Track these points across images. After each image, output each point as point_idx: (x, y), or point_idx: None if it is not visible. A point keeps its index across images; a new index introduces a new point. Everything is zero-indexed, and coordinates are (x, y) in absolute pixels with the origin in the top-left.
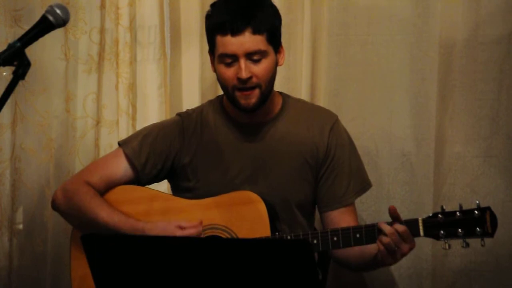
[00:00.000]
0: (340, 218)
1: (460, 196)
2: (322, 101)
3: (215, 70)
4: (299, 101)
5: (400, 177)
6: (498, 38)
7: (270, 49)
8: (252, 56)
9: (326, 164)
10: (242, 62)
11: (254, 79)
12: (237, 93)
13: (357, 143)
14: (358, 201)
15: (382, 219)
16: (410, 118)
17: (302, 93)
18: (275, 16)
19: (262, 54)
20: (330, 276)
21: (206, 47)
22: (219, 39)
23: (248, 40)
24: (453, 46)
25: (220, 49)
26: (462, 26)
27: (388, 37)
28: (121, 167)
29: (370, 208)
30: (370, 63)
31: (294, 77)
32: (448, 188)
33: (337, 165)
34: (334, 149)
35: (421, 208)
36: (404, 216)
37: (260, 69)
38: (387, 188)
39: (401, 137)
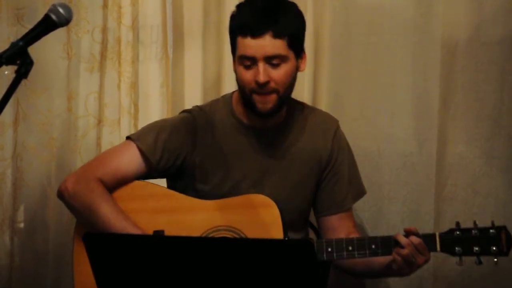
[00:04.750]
0: (339, 223)
1: (462, 196)
2: (324, 101)
3: (235, 70)
4: (302, 104)
5: (402, 178)
6: (500, 38)
7: (290, 54)
8: (271, 60)
9: (328, 169)
10: (261, 65)
11: (272, 84)
12: (255, 96)
13: (359, 143)
14: (359, 201)
15: (383, 219)
16: (412, 118)
17: (304, 93)
18: (299, 21)
19: (282, 58)
20: (331, 276)
21: (209, 46)
22: (240, 40)
23: (268, 44)
24: (456, 46)
25: (240, 51)
26: (464, 26)
27: (390, 37)
28: (135, 163)
29: (371, 209)
30: (372, 63)
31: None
32: (449, 189)
33: (339, 170)
34: (337, 154)
35: (422, 209)
36: (405, 217)
37: (278, 74)
38: (389, 188)
39: (403, 137)
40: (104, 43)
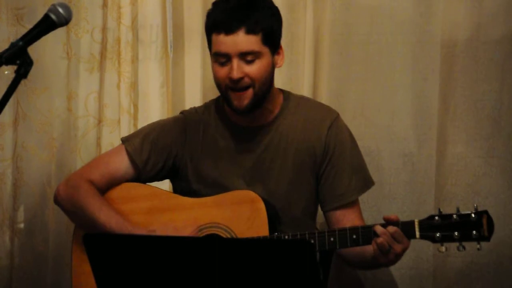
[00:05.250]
0: (344, 216)
1: (462, 196)
2: (324, 101)
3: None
4: (301, 98)
5: (402, 177)
6: (500, 38)
7: (265, 50)
8: (245, 56)
9: (325, 163)
10: (235, 62)
11: (247, 79)
12: (230, 93)
13: (358, 142)
14: (359, 201)
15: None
16: (412, 118)
17: (304, 92)
18: (273, 16)
19: (256, 54)
20: (331, 275)
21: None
22: (214, 37)
23: (241, 40)
24: (455, 46)
25: (214, 48)
26: (464, 26)
27: (390, 37)
28: (123, 165)
29: (371, 208)
30: (372, 62)
31: (296, 77)
32: (449, 189)
33: (337, 163)
34: (333, 147)
35: (423, 208)
36: (405, 216)
37: (253, 69)
38: (389, 188)
39: (402, 137)
40: (103, 43)
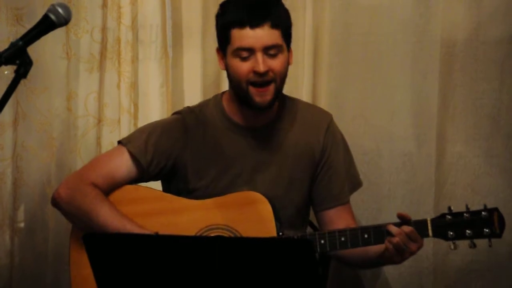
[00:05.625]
0: (338, 216)
1: (461, 195)
2: (323, 100)
3: (224, 68)
4: (294, 99)
5: (401, 177)
6: (499, 37)
7: (284, 45)
8: (269, 50)
9: (322, 163)
10: (260, 55)
11: (271, 73)
12: (252, 90)
13: (358, 142)
14: (359, 200)
15: (383, 218)
16: (411, 117)
17: (303, 92)
18: (288, 15)
19: (279, 48)
20: (330, 274)
21: (208, 46)
22: (236, 32)
23: (267, 34)
24: (455, 45)
25: (236, 43)
26: (463, 26)
27: (389, 37)
28: (125, 166)
29: (371, 207)
30: (371, 62)
31: (295, 76)
32: (449, 188)
33: (333, 164)
34: (330, 148)
35: (422, 208)
36: None
37: (276, 63)
38: (388, 187)
39: (402, 136)
40: (103, 43)
